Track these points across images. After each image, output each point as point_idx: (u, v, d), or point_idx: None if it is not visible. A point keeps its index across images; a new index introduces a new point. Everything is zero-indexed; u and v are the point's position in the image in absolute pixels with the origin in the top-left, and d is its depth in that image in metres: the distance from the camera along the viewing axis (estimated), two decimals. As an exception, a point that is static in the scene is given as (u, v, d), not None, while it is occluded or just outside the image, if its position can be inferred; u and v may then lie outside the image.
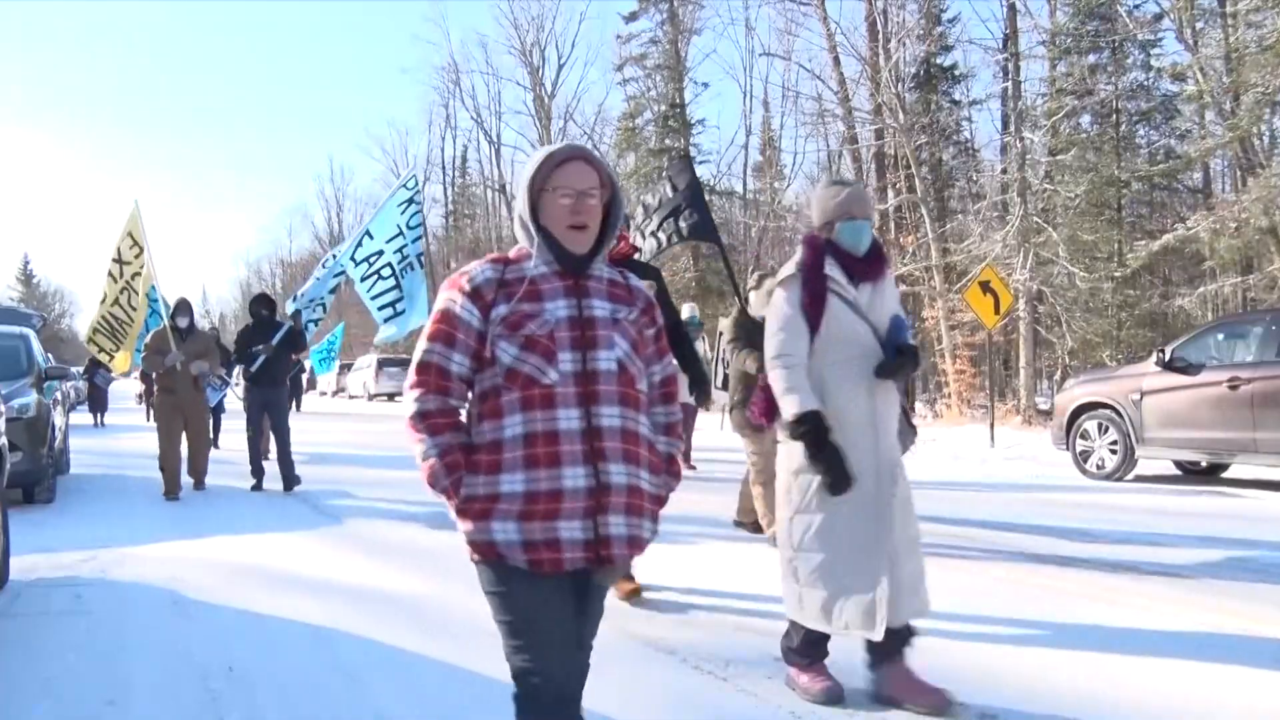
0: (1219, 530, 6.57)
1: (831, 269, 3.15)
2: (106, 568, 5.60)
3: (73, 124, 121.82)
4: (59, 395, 10.04)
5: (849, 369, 3.12)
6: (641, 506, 2.00)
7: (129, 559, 5.85)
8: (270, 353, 8.99)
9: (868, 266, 3.19)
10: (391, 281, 8.89)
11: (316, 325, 9.97)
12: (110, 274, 9.56)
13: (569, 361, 1.95)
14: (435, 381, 2.01)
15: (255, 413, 9.25)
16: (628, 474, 1.96)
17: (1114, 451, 9.55)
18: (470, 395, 2.06)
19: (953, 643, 3.88)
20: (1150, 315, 18.93)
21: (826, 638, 3.23)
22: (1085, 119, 19.99)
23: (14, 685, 3.54)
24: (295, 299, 9.85)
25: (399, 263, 8.88)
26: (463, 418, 2.06)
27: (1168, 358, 9.21)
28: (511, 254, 2.08)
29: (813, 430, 3.01)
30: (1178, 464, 9.95)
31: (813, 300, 3.12)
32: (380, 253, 8.93)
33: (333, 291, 9.81)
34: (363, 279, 8.95)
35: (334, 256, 9.51)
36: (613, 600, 4.70)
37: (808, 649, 3.26)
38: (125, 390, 35.17)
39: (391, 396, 33.51)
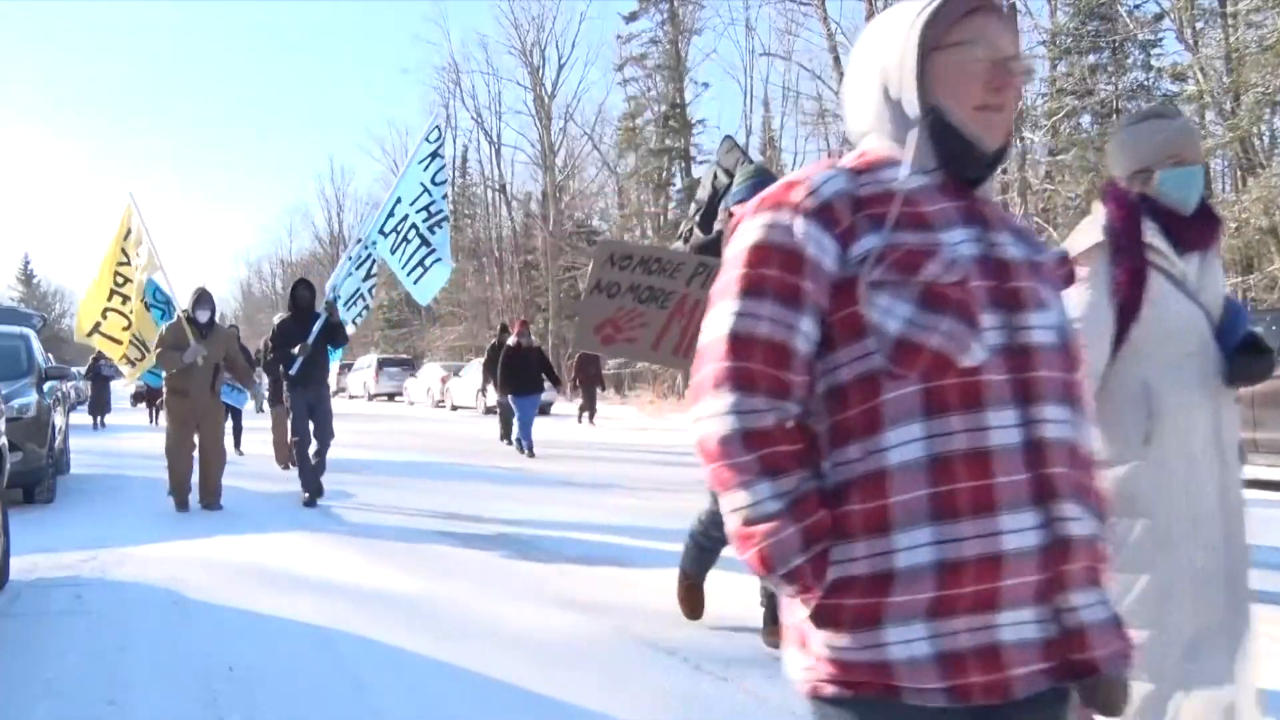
0: (1219, 530, 6.56)
1: (1152, 235, 2.24)
2: (106, 568, 5.59)
3: (73, 123, 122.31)
4: (59, 395, 10.03)
5: (1185, 372, 2.22)
6: (1100, 570, 1.21)
7: (129, 559, 5.85)
8: (307, 352, 8.11)
9: (1199, 229, 2.28)
10: (417, 242, 8.34)
11: (360, 321, 9.25)
12: (133, 281, 9.01)
13: (993, 330, 1.14)
14: (766, 372, 1.13)
15: (301, 417, 8.20)
16: (1088, 518, 1.18)
17: (1114, 451, 9.55)
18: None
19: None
20: (1150, 315, 18.91)
21: None
22: (1085, 119, 20.04)
23: (14, 685, 3.54)
24: (332, 292, 8.70)
25: (424, 221, 8.29)
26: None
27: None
28: (852, 161, 1.24)
29: None
30: (1178, 464, 9.94)
31: (1130, 279, 2.21)
32: (405, 216, 8.32)
33: (371, 276, 9.14)
34: (393, 251, 8.35)
35: (359, 241, 8.71)
36: (613, 599, 4.69)
37: None
38: (122, 390, 35.13)
39: (391, 396, 33.51)
